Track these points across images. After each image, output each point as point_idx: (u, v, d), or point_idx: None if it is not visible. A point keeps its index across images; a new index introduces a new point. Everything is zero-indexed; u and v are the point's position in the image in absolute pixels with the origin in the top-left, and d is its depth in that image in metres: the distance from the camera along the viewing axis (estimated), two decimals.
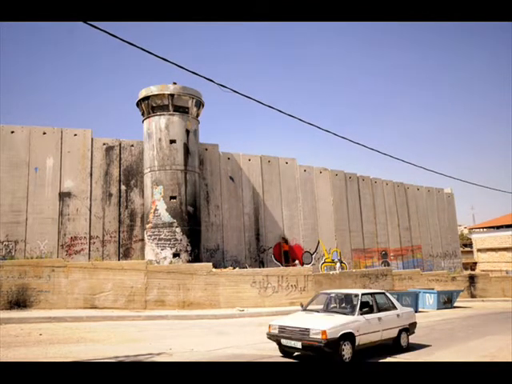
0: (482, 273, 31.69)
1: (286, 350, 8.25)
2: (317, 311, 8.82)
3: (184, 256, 18.61)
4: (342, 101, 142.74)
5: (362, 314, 8.30)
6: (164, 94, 19.46)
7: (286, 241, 24.01)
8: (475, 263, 45.67)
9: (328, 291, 10.09)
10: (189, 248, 18.84)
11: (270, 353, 8.47)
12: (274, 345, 8.38)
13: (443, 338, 10.37)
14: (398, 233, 30.00)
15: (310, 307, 9.19)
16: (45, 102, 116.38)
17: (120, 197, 20.28)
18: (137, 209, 20.39)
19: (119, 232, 19.97)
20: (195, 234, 19.39)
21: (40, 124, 36.13)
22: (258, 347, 9.17)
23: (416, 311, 17.27)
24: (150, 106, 19.74)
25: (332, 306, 9.25)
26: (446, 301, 19.39)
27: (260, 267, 21.82)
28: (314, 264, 24.30)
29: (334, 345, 7.44)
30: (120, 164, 20.56)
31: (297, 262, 21.14)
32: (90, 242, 19.31)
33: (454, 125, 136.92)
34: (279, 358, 8.17)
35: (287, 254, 23.69)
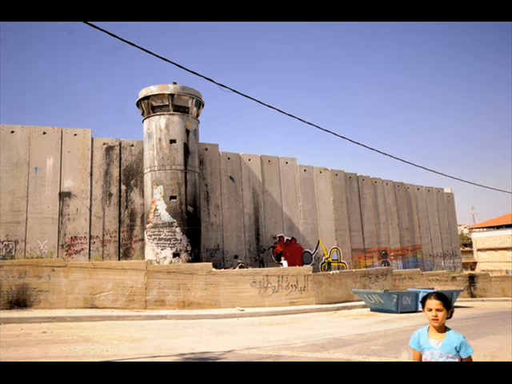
0: (482, 272, 31.68)
1: None
2: None
3: (184, 256, 18.61)
4: (342, 101, 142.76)
5: None
6: (164, 94, 19.45)
7: (285, 240, 24.02)
8: (475, 263, 45.69)
9: None
10: (189, 248, 18.84)
11: (271, 352, 8.47)
12: (276, 345, 8.37)
13: None
14: (398, 233, 30.00)
15: None
16: (45, 101, 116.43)
17: (120, 197, 20.29)
18: (137, 209, 20.39)
19: (119, 232, 19.98)
20: (195, 234, 19.40)
21: (40, 124, 36.11)
22: (260, 348, 9.17)
23: (416, 311, 17.33)
24: (150, 106, 19.74)
25: None
26: None
27: (260, 267, 21.83)
28: (313, 264, 24.31)
29: None
30: (120, 164, 20.56)
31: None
32: (90, 242, 19.32)
33: (455, 125, 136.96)
34: (281, 358, 8.17)
35: (287, 254, 23.69)
